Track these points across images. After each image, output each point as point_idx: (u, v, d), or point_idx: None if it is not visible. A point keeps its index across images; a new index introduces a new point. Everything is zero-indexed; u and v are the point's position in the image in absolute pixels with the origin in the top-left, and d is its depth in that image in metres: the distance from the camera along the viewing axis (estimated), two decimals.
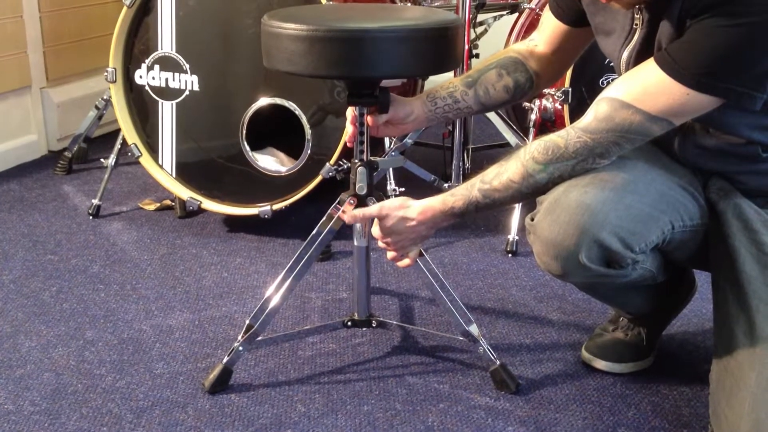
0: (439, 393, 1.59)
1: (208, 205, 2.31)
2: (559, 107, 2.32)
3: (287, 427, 1.49)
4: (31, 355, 1.71)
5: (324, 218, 1.63)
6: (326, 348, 1.75)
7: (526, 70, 1.58)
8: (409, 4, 2.55)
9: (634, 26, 1.35)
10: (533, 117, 2.35)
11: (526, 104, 2.39)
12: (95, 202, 2.47)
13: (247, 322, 1.66)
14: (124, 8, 2.24)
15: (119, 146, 2.50)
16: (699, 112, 1.27)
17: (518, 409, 1.54)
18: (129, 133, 2.35)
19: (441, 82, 1.63)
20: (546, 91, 2.33)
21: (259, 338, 1.63)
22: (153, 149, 2.35)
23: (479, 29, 2.77)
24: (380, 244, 1.51)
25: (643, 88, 1.27)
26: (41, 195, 2.64)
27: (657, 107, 1.26)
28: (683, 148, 1.40)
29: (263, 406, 1.54)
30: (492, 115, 2.40)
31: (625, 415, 1.53)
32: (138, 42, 2.30)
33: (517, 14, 2.75)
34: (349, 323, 1.73)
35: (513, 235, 2.24)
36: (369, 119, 1.55)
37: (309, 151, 2.20)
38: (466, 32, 2.34)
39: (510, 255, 2.22)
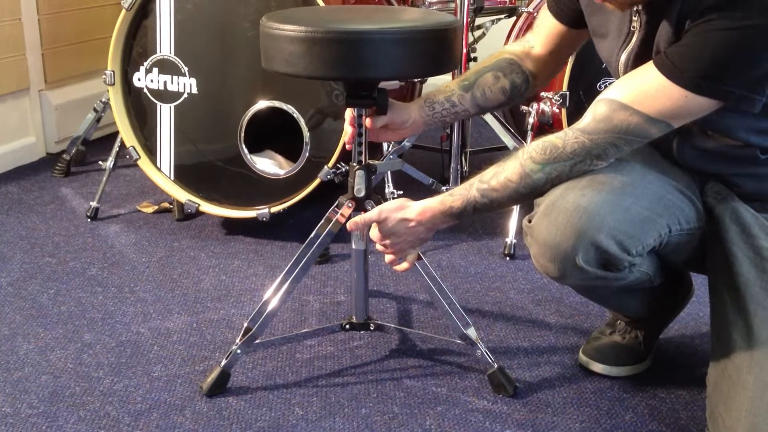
0: (436, 396, 1.59)
1: (207, 207, 2.31)
2: (557, 111, 2.33)
3: (285, 430, 1.49)
4: (28, 358, 1.71)
5: (322, 221, 1.63)
6: (324, 351, 1.75)
7: (522, 71, 1.59)
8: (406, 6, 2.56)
9: (632, 29, 1.35)
10: (531, 120, 2.36)
11: (524, 108, 2.39)
12: (93, 204, 2.47)
13: (245, 324, 1.66)
14: (123, 11, 2.24)
15: (117, 149, 2.50)
16: (698, 114, 1.27)
17: (516, 412, 1.54)
18: (127, 135, 2.35)
19: (439, 84, 1.63)
20: (543, 94, 2.33)
21: (257, 341, 1.63)
22: (151, 152, 2.35)
23: (477, 33, 2.78)
24: (378, 247, 1.51)
25: (642, 90, 1.27)
26: (39, 197, 2.64)
27: (656, 109, 1.26)
28: (681, 150, 1.40)
29: (261, 409, 1.54)
30: (490, 119, 2.41)
31: (622, 418, 1.53)
32: (136, 45, 2.30)
33: (514, 18, 2.75)
34: (347, 326, 1.73)
35: (511, 238, 2.24)
36: (367, 122, 1.55)
37: (307, 154, 2.20)
38: (464, 36, 2.35)
39: (508, 258, 2.22)
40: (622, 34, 1.37)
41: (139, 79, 2.32)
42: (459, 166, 2.44)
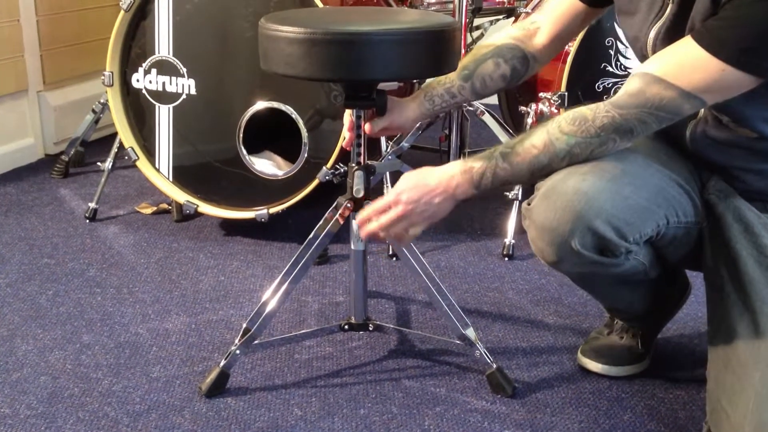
0: (435, 396, 1.59)
1: (205, 208, 2.31)
2: (556, 111, 2.33)
3: (284, 430, 1.49)
4: (27, 359, 1.71)
5: (321, 222, 1.63)
6: (323, 351, 1.75)
7: (524, 55, 1.58)
8: (405, 8, 2.56)
9: (665, 2, 1.32)
10: (529, 121, 2.36)
11: (522, 108, 2.39)
12: (92, 205, 2.47)
13: (244, 325, 1.66)
14: (121, 12, 2.24)
15: (116, 150, 2.50)
16: (732, 91, 1.25)
17: (514, 412, 1.55)
18: (126, 136, 2.35)
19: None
20: (542, 95, 2.33)
21: (256, 342, 1.63)
22: (150, 153, 2.35)
23: (476, 33, 2.78)
24: (382, 220, 1.42)
25: (678, 63, 1.25)
26: (38, 198, 2.64)
27: (691, 83, 1.24)
28: (694, 137, 1.39)
29: (260, 410, 1.54)
30: (488, 119, 2.41)
31: (621, 418, 1.54)
32: (135, 46, 2.30)
33: (513, 18, 2.75)
34: (346, 327, 1.73)
35: (509, 238, 2.24)
36: (367, 127, 1.55)
37: (306, 155, 2.20)
38: (462, 36, 2.35)
39: (506, 258, 2.22)
40: (654, 9, 1.35)
41: (137, 80, 2.32)
42: None
